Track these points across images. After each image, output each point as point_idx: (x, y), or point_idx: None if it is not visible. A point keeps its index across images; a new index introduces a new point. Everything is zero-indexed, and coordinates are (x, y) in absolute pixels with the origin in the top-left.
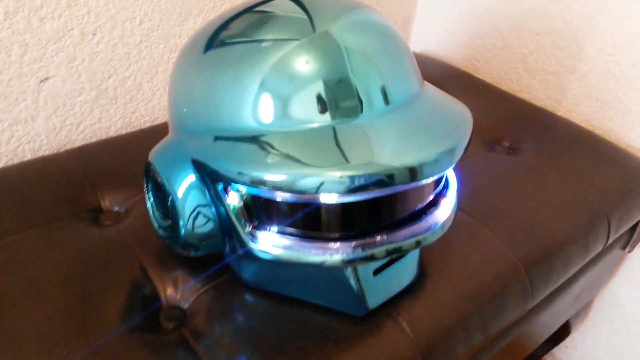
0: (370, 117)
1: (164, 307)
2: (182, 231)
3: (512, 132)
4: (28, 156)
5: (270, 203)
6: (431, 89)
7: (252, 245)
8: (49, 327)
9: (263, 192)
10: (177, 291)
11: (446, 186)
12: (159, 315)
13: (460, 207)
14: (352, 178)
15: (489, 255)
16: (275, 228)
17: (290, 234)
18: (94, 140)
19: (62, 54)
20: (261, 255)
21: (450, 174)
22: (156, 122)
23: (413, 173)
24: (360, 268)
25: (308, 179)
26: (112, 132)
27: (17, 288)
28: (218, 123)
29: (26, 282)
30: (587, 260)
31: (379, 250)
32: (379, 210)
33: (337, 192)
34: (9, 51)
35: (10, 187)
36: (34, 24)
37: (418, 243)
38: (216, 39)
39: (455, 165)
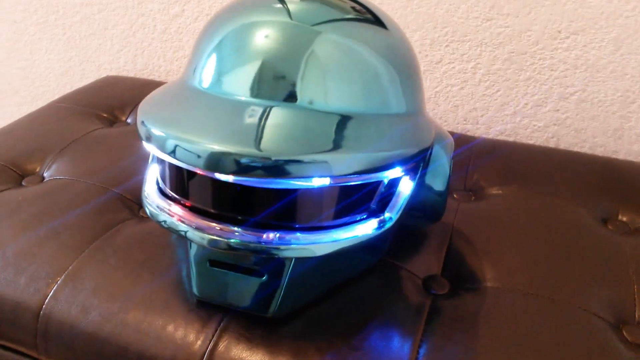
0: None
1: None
2: None
3: None
4: None
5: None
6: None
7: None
8: None
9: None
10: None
11: (330, 228)
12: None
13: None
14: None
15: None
16: (153, 171)
17: (157, 184)
18: None
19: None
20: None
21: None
22: None
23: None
24: (196, 249)
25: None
26: None
27: None
28: (184, 73)
29: None
30: None
31: (195, 233)
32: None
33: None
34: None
35: None
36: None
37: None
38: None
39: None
